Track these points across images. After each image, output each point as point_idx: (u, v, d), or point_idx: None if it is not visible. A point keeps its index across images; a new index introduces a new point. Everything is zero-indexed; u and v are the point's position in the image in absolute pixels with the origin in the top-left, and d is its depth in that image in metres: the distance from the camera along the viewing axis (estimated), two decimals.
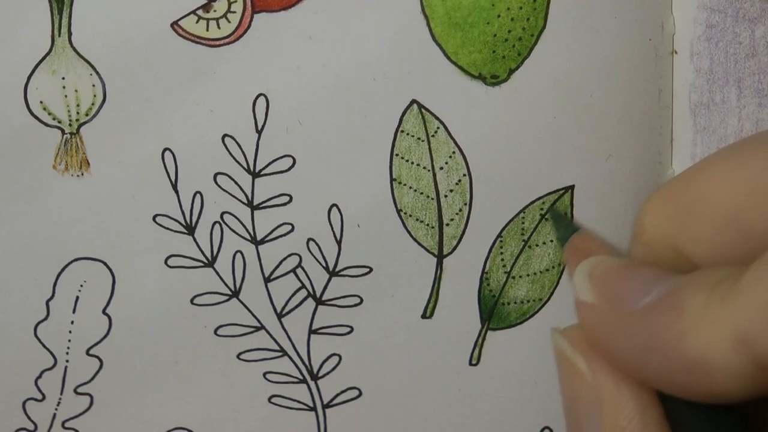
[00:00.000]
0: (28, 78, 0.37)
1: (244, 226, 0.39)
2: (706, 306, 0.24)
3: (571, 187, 0.39)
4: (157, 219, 0.39)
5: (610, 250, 0.30)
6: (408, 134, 0.39)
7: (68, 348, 0.40)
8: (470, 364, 0.41)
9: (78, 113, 0.38)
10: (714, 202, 0.26)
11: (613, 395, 0.27)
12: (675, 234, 0.27)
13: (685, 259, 0.27)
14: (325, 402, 0.41)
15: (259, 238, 0.39)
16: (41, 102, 0.37)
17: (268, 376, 0.41)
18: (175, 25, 0.37)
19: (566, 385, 0.28)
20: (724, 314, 0.23)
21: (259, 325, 0.40)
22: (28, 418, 0.40)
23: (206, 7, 0.37)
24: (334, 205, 0.39)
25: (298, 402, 0.41)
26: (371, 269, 0.40)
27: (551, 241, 0.40)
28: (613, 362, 0.27)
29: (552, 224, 0.39)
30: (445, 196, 0.39)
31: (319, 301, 0.40)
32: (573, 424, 0.28)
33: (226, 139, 0.38)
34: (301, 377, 0.41)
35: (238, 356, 0.40)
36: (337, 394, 0.41)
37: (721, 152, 0.27)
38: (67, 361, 0.40)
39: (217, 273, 0.40)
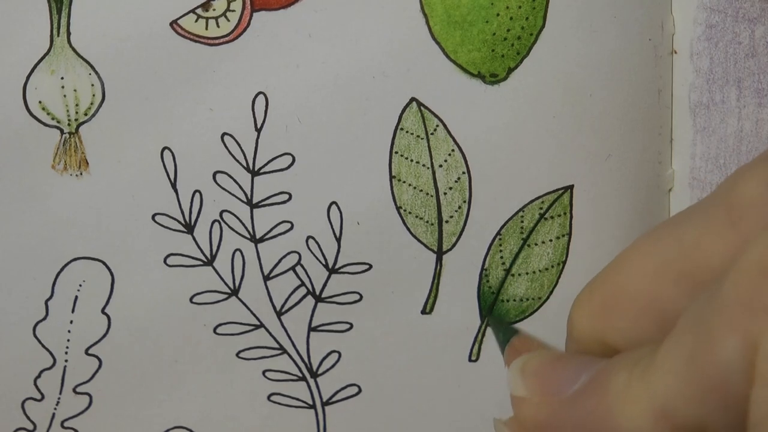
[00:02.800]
0: (27, 78, 0.37)
1: (244, 224, 0.39)
2: (627, 384, 0.25)
3: (571, 187, 0.39)
4: (156, 218, 0.39)
5: (546, 348, 0.31)
6: (407, 132, 0.39)
7: (67, 347, 0.40)
8: (470, 360, 0.41)
9: (77, 113, 0.38)
10: (630, 290, 0.27)
11: None
12: (599, 327, 0.28)
13: (611, 349, 0.28)
14: (324, 399, 0.41)
15: (258, 236, 0.39)
16: (40, 102, 0.37)
17: (267, 374, 0.41)
18: (174, 24, 0.37)
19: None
20: (643, 390, 0.25)
21: (258, 323, 0.40)
22: (27, 417, 0.40)
23: (205, 6, 0.37)
24: (333, 202, 0.39)
25: (298, 400, 0.41)
26: (371, 266, 0.40)
27: (550, 240, 0.40)
28: None
29: (492, 329, 0.40)
30: (445, 193, 0.39)
31: (319, 299, 0.40)
32: None
33: (226, 138, 0.38)
34: (300, 375, 0.41)
35: (237, 354, 0.40)
36: (337, 392, 0.41)
37: (643, 237, 0.28)
38: (66, 360, 0.40)
39: (217, 271, 0.40)
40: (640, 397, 0.24)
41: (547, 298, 0.40)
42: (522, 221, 0.40)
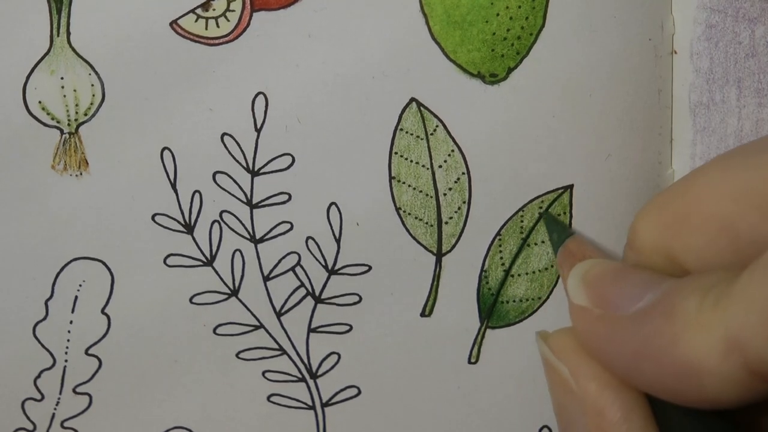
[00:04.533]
0: (27, 78, 0.37)
1: (243, 224, 0.39)
2: (698, 311, 0.24)
3: (570, 187, 0.39)
4: (156, 218, 0.39)
5: (603, 255, 0.30)
6: (407, 132, 0.39)
7: (67, 348, 0.40)
8: (469, 362, 0.41)
9: (77, 113, 0.38)
10: (705, 210, 0.26)
11: (596, 402, 0.27)
12: (667, 241, 0.27)
13: (677, 266, 0.27)
14: (324, 400, 0.41)
15: (258, 236, 0.39)
16: (40, 102, 0.37)
17: (267, 374, 0.41)
18: (174, 24, 0.37)
19: (553, 391, 0.28)
20: (715, 319, 0.24)
21: (258, 323, 0.40)
22: (27, 417, 0.40)
23: (205, 6, 0.37)
24: (333, 203, 0.39)
25: (298, 401, 0.41)
26: (370, 268, 0.40)
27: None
28: (605, 366, 0.27)
29: (546, 228, 0.39)
30: (444, 194, 0.39)
31: (318, 300, 0.40)
32: (563, 430, 0.28)
33: (225, 138, 0.38)
34: (300, 376, 0.41)
35: (237, 355, 0.40)
36: (336, 393, 0.41)
37: (714, 161, 0.27)
38: (66, 360, 0.40)
39: (216, 272, 0.40)
40: (712, 326, 0.23)
41: (547, 297, 0.40)
42: (522, 221, 0.40)
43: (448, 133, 0.39)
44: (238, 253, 0.39)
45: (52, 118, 0.38)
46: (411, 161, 0.39)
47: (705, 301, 0.24)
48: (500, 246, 0.40)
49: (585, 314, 0.27)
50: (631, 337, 0.25)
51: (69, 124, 0.38)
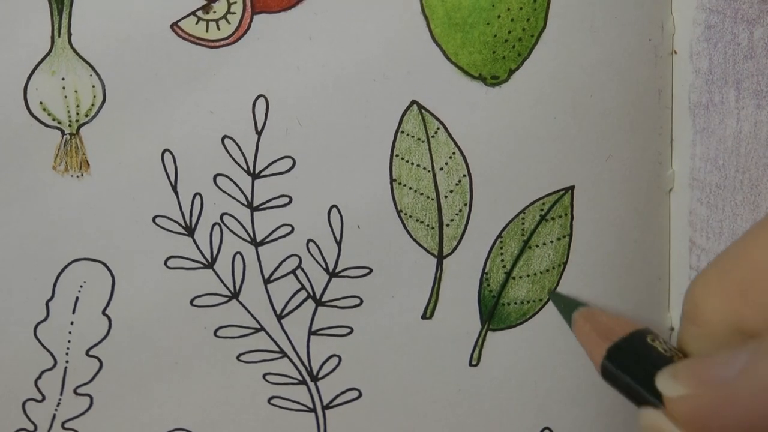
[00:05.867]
0: (28, 78, 0.37)
1: (244, 227, 0.39)
2: None
3: (571, 188, 0.39)
4: (157, 220, 0.39)
5: (613, 315, 0.30)
6: (408, 135, 0.39)
7: (68, 349, 0.39)
8: (470, 364, 0.41)
9: (78, 114, 0.38)
10: None
11: None
12: (737, 308, 0.27)
13: (744, 334, 0.27)
14: (324, 403, 0.41)
15: (258, 239, 0.39)
16: (41, 102, 0.37)
17: (267, 377, 0.41)
18: (174, 26, 0.37)
19: None
20: None
21: (258, 326, 0.40)
22: (28, 418, 0.40)
23: (206, 9, 0.37)
24: (334, 206, 0.39)
25: (298, 403, 0.41)
26: (371, 270, 0.40)
27: (551, 241, 0.40)
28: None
29: (554, 304, 0.39)
30: (445, 196, 0.39)
31: (319, 302, 0.40)
32: None
33: (226, 141, 0.38)
34: (300, 378, 0.41)
35: (237, 357, 0.40)
36: (337, 395, 0.41)
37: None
38: (66, 361, 0.40)
39: (217, 274, 0.40)
40: None
41: (549, 299, 0.40)
42: (523, 223, 0.40)
43: (450, 135, 0.39)
44: (238, 255, 0.39)
45: (53, 119, 0.38)
46: (412, 164, 0.39)
47: None
48: (501, 248, 0.40)
49: (687, 400, 0.27)
50: (746, 395, 0.26)
51: (70, 125, 0.38)
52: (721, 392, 0.26)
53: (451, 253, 0.40)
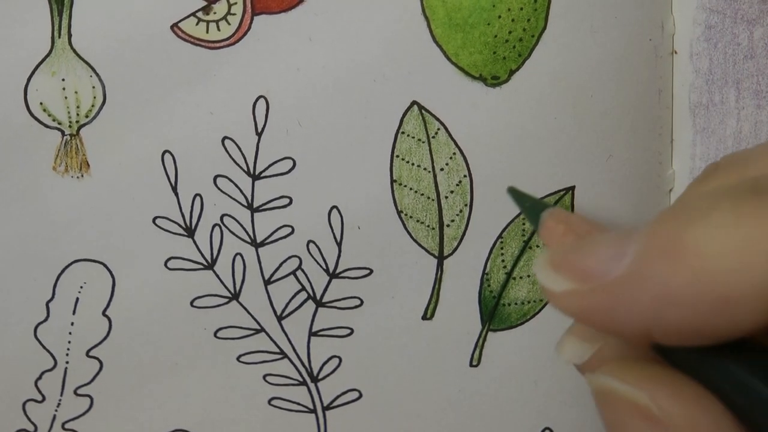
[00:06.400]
0: (28, 79, 0.37)
1: (244, 228, 0.39)
2: (714, 236, 0.24)
3: (572, 188, 0.39)
4: (157, 221, 0.39)
5: (580, 218, 0.29)
6: (408, 135, 0.39)
7: (68, 349, 0.39)
8: (471, 365, 0.41)
9: (78, 114, 0.38)
10: None
11: (683, 423, 0.25)
12: None
13: None
14: (325, 404, 0.41)
15: (259, 240, 0.39)
16: (41, 103, 0.37)
17: (268, 378, 0.40)
18: (175, 27, 0.37)
19: (619, 429, 0.26)
20: (748, 234, 0.23)
21: (259, 327, 0.40)
22: (28, 419, 0.40)
23: (206, 10, 0.37)
24: (334, 206, 0.39)
25: (298, 404, 0.41)
26: (371, 271, 0.40)
27: None
28: (628, 335, 0.26)
29: (517, 204, 0.38)
30: (446, 197, 0.39)
31: (320, 303, 0.40)
32: None
33: (226, 141, 0.38)
34: (301, 379, 0.41)
35: (238, 358, 0.40)
36: (338, 396, 0.41)
37: None
38: (67, 362, 0.40)
39: (217, 275, 0.39)
40: (726, 236, 0.23)
41: (547, 301, 0.40)
42: (524, 223, 0.40)
43: (450, 136, 0.39)
44: (239, 256, 0.39)
45: (54, 120, 0.37)
46: (412, 164, 0.39)
47: (718, 220, 0.24)
48: (502, 248, 0.40)
49: (573, 296, 0.26)
50: (639, 294, 0.25)
51: (70, 126, 0.38)
52: (609, 292, 0.25)
53: (451, 254, 0.40)
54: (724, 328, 0.24)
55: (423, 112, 0.38)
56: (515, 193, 0.38)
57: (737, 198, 0.24)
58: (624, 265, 0.25)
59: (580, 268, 0.26)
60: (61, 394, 0.40)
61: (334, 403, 0.41)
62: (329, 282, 0.40)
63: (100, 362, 0.40)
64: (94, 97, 0.38)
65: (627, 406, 0.26)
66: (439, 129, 0.39)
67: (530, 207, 0.36)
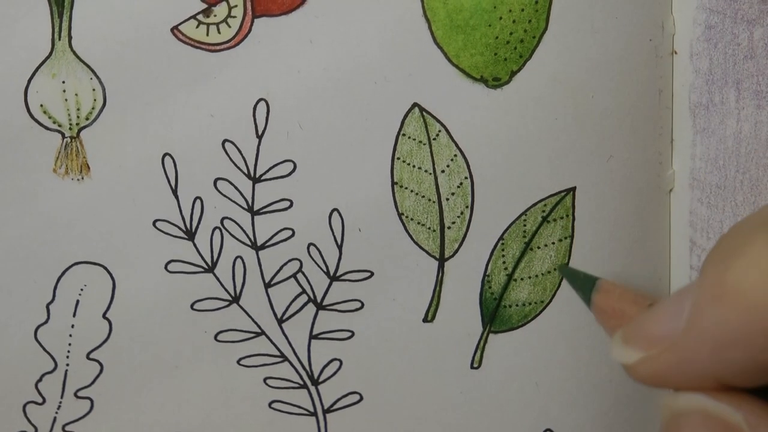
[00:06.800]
0: (29, 81, 0.37)
1: (245, 231, 0.39)
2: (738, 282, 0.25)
3: (573, 189, 0.39)
4: (157, 224, 0.39)
5: (634, 292, 0.30)
6: (409, 137, 0.39)
7: (68, 352, 0.39)
8: (472, 367, 0.41)
9: (78, 117, 0.38)
10: None
11: None
12: None
13: None
14: (325, 407, 0.41)
15: (259, 243, 0.39)
16: (41, 105, 0.37)
17: (268, 381, 0.40)
18: (175, 29, 0.37)
19: None
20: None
21: (259, 330, 0.40)
22: (29, 421, 0.40)
23: (206, 12, 0.37)
24: (335, 209, 0.39)
25: (299, 407, 0.41)
26: (372, 273, 0.40)
27: (553, 243, 0.40)
28: (702, 382, 0.26)
29: (570, 284, 0.39)
30: (447, 199, 0.39)
31: (320, 306, 0.40)
32: None
33: (227, 144, 0.38)
34: (301, 382, 0.40)
35: (238, 362, 0.40)
36: (338, 399, 0.41)
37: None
38: (67, 364, 0.39)
39: (218, 278, 0.39)
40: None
41: (550, 301, 0.40)
42: (524, 225, 0.40)
43: (451, 137, 0.39)
44: (239, 259, 0.39)
45: (54, 122, 0.37)
46: (413, 166, 0.39)
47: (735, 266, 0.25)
48: (503, 250, 0.40)
49: (646, 364, 0.27)
50: (699, 343, 0.26)
51: (70, 128, 0.38)
52: (675, 351, 0.26)
53: (452, 256, 0.40)
54: None
55: (424, 114, 0.38)
56: (567, 272, 0.38)
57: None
58: (684, 320, 0.26)
59: (647, 337, 0.27)
60: (62, 397, 0.40)
61: (335, 406, 0.41)
62: (330, 285, 0.40)
63: (101, 365, 0.40)
64: (95, 100, 0.37)
65: (716, 425, 0.27)
66: (440, 131, 0.39)
67: (581, 284, 0.36)
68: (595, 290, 0.33)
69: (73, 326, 0.39)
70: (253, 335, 0.40)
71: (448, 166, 0.39)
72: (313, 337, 0.40)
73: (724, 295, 0.25)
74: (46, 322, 0.39)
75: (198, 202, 0.39)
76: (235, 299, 0.40)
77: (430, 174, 0.39)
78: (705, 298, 0.26)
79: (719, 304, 0.25)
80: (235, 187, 0.39)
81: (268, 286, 0.40)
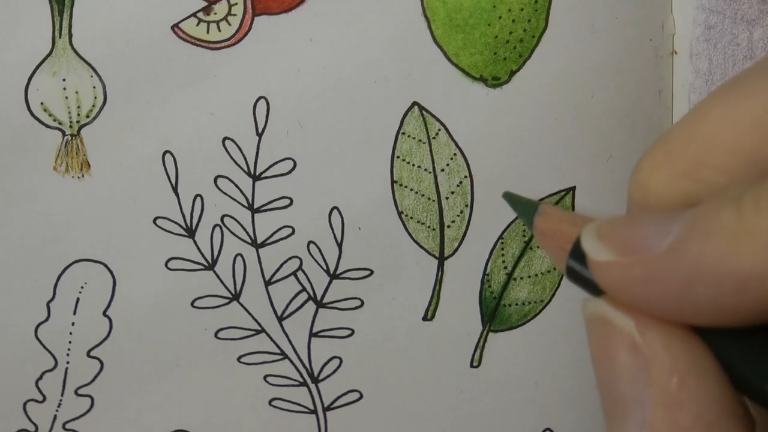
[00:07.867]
0: (29, 79, 0.37)
1: (245, 229, 0.39)
2: (740, 220, 0.23)
3: (572, 189, 0.39)
4: (158, 221, 0.39)
5: (573, 219, 0.29)
6: (409, 136, 0.39)
7: (69, 349, 0.39)
8: (471, 366, 0.41)
9: (78, 115, 0.38)
10: (726, 147, 0.25)
11: (663, 356, 0.25)
12: (686, 189, 0.26)
13: None
14: (325, 405, 0.41)
15: (259, 241, 0.39)
16: (42, 103, 0.37)
17: (268, 379, 0.40)
18: (175, 27, 0.37)
19: (603, 358, 0.27)
20: (760, 221, 0.23)
21: (259, 328, 0.40)
22: (29, 419, 0.40)
23: (207, 10, 0.37)
24: (334, 207, 0.39)
25: (299, 405, 0.41)
26: (372, 272, 0.40)
27: None
28: (651, 311, 0.26)
29: (512, 208, 0.38)
30: (447, 198, 0.39)
31: (320, 304, 0.40)
32: (612, 406, 0.27)
33: (227, 142, 0.38)
34: (301, 380, 0.41)
35: (238, 359, 0.40)
36: (338, 397, 0.41)
37: (717, 94, 0.26)
38: (67, 362, 0.40)
39: (218, 276, 0.39)
40: (759, 229, 0.23)
41: (549, 300, 0.40)
42: (524, 224, 0.40)
43: (451, 136, 0.39)
44: (239, 257, 0.39)
45: (54, 120, 0.38)
46: (413, 165, 0.39)
47: (743, 208, 0.23)
48: (502, 249, 0.40)
49: (614, 269, 0.26)
50: (673, 272, 0.24)
51: (71, 126, 0.38)
52: (647, 268, 0.25)
53: (452, 255, 0.40)
54: (748, 308, 0.24)
55: (424, 112, 0.38)
56: (510, 198, 0.38)
57: (763, 184, 0.24)
58: (666, 243, 0.25)
59: (625, 241, 0.26)
60: (62, 395, 0.40)
61: (335, 404, 0.41)
62: (330, 283, 0.40)
63: (101, 362, 0.40)
64: (95, 98, 0.38)
65: (613, 333, 0.26)
66: (439, 130, 0.39)
67: (524, 210, 0.36)
68: (537, 214, 0.32)
69: (73, 324, 0.39)
70: (253, 333, 0.40)
71: (447, 164, 0.39)
72: (313, 334, 0.40)
73: (712, 235, 0.24)
74: (46, 320, 0.39)
75: (198, 199, 0.39)
76: (236, 297, 0.40)
77: (430, 173, 0.39)
78: (695, 233, 0.24)
79: (704, 242, 0.24)
80: (236, 185, 0.39)
81: (268, 283, 0.40)
